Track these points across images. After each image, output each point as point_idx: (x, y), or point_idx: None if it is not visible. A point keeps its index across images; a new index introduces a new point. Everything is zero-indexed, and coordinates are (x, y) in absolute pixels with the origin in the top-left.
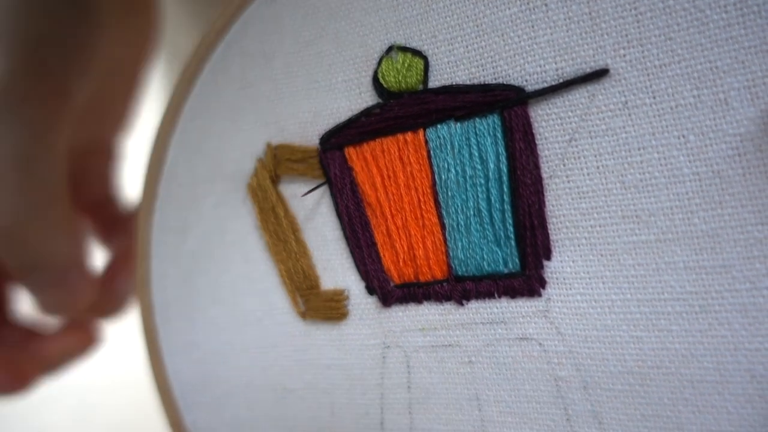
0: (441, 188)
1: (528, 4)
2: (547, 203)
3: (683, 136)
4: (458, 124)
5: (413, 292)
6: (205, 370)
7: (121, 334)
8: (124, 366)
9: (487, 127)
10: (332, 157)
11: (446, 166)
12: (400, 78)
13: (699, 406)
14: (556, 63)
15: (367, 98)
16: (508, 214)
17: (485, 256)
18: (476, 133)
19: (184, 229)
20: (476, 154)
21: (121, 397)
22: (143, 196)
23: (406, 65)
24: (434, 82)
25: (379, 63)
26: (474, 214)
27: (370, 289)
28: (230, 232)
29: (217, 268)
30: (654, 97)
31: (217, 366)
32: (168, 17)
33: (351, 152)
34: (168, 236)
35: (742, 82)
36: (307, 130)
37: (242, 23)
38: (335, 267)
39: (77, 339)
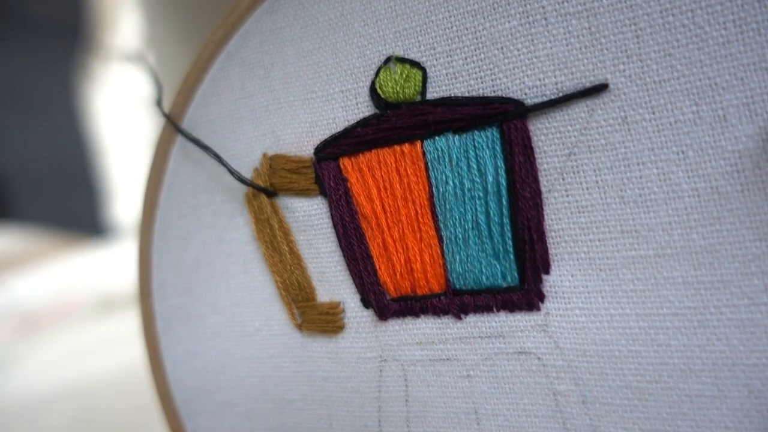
0: (439, 201)
1: (528, 18)
2: (546, 217)
3: (682, 152)
4: (456, 136)
5: (410, 306)
6: (206, 379)
7: (124, 341)
8: (125, 372)
9: (486, 140)
10: (327, 167)
11: (444, 178)
12: (398, 88)
13: (697, 420)
14: (555, 77)
15: (364, 109)
16: (507, 228)
17: (484, 270)
18: (475, 146)
19: (184, 239)
20: (475, 166)
21: (123, 404)
22: (144, 205)
23: (404, 76)
24: (432, 94)
25: (377, 73)
26: (472, 227)
27: (366, 303)
28: (229, 242)
29: (216, 277)
30: (653, 113)
31: (216, 375)
32: (168, 25)
33: (346, 163)
34: (169, 245)
35: (741, 98)
36: (303, 140)
37: (242, 34)
38: (330, 279)
39: None
